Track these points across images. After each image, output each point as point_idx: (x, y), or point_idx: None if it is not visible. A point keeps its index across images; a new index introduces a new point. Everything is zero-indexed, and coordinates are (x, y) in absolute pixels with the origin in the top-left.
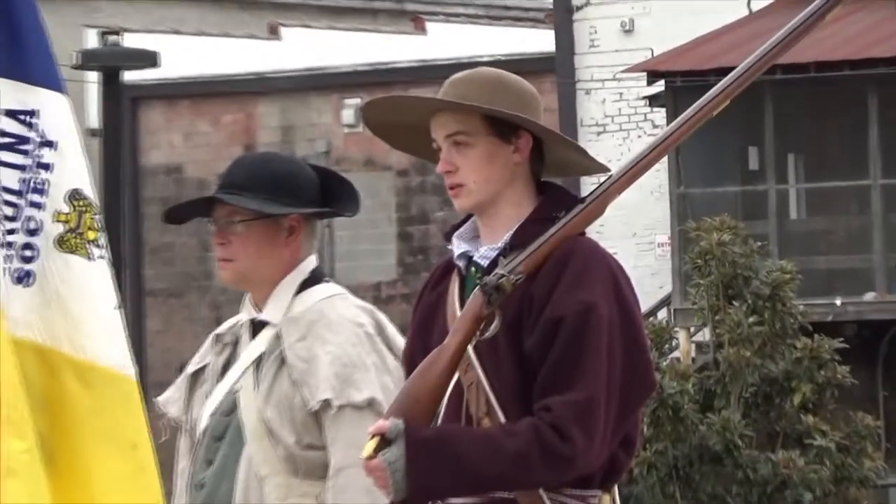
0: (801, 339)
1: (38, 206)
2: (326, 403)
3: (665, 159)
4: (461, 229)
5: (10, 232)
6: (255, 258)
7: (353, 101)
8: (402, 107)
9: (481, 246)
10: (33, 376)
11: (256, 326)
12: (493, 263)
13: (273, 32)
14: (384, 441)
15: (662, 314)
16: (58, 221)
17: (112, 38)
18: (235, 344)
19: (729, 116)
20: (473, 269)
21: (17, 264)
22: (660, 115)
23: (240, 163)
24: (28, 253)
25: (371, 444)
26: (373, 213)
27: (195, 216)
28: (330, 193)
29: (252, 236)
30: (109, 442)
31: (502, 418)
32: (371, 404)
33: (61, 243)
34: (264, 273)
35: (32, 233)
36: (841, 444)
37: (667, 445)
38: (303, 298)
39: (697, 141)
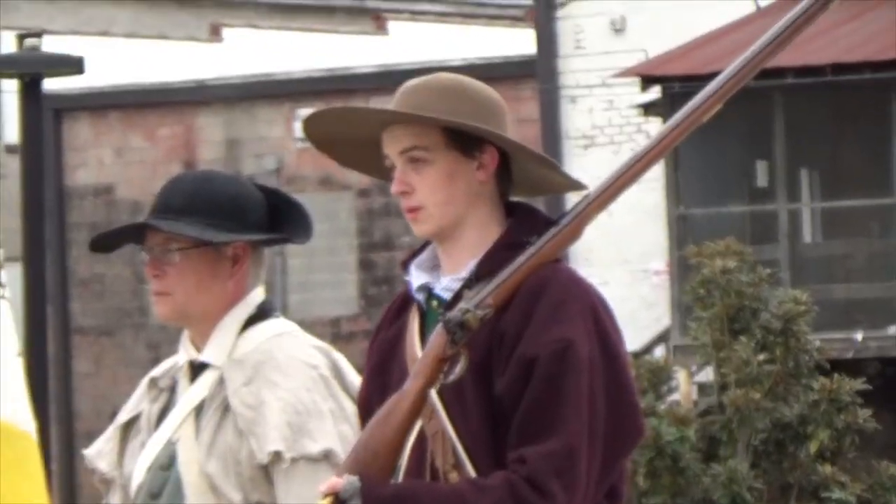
0: (818, 378)
1: None
2: (277, 456)
3: (662, 176)
4: (420, 257)
5: None
6: (194, 291)
7: (307, 112)
8: (349, 119)
9: (443, 276)
10: None
11: (196, 369)
12: (457, 297)
13: (215, 34)
14: (338, 501)
15: (660, 351)
16: None
17: (31, 41)
18: (173, 389)
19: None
20: (435, 302)
21: None
22: (655, 125)
23: (177, 183)
24: None
25: None
26: (330, 239)
27: (127, 244)
28: (279, 217)
29: (191, 267)
30: None
31: (471, 472)
32: (327, 456)
33: None
34: (205, 308)
35: None
36: (863, 498)
37: (666, 500)
38: (249, 336)
39: (698, 155)
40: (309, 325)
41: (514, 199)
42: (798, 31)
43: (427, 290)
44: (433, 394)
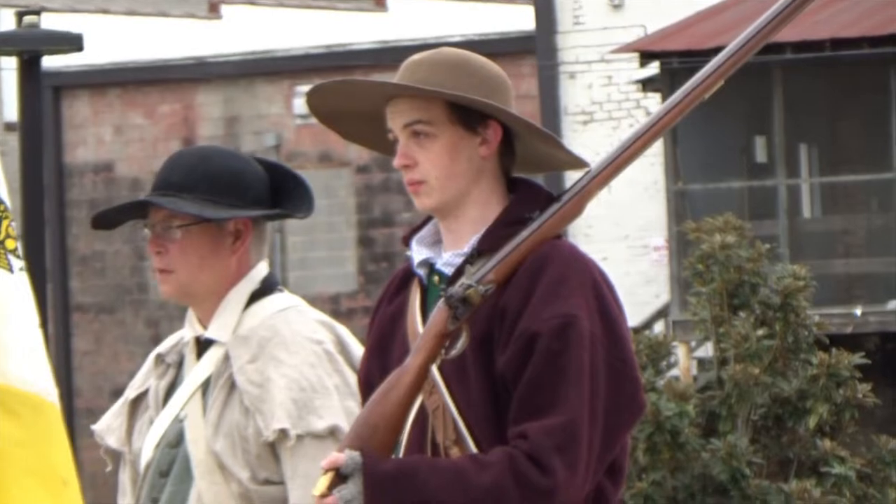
0: (817, 353)
1: None
2: (283, 433)
3: (661, 152)
4: (421, 232)
5: None
6: (196, 268)
7: (306, 89)
8: (353, 92)
9: (444, 252)
10: None
11: (202, 345)
12: (459, 272)
13: (214, 11)
14: (339, 476)
15: (659, 327)
16: None
17: (30, 18)
18: (180, 365)
19: (733, 103)
20: (436, 278)
21: None
22: (654, 101)
23: (177, 160)
24: None
25: (324, 481)
26: (330, 216)
27: (128, 221)
28: (280, 193)
29: (193, 243)
30: (36, 478)
31: (472, 447)
32: (334, 433)
33: None
34: (208, 285)
35: None
36: (862, 472)
37: (665, 475)
38: (253, 312)
39: (698, 131)
40: (308, 302)
41: (517, 175)
42: (801, 8)
43: (429, 265)
44: (434, 369)
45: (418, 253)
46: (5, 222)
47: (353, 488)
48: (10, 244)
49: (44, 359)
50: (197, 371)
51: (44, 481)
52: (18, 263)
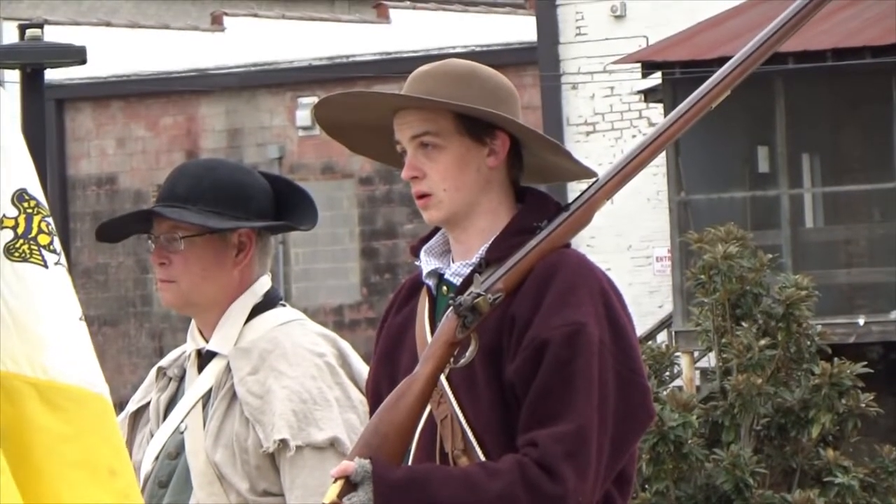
0: (820, 363)
1: None
2: (283, 444)
3: (664, 163)
4: (430, 243)
5: None
6: (199, 279)
7: (309, 101)
8: (360, 105)
9: (453, 262)
10: None
11: (203, 358)
12: (468, 281)
13: (217, 23)
14: (349, 484)
15: (662, 337)
16: (5, 228)
17: (33, 31)
18: (181, 379)
19: (735, 113)
20: (445, 287)
21: None
22: (656, 111)
23: (181, 171)
24: None
25: (334, 489)
26: (333, 227)
27: (131, 233)
28: (284, 205)
29: (196, 254)
30: (83, 470)
31: (481, 456)
32: (333, 444)
33: (10, 252)
34: (211, 296)
35: None
36: (865, 482)
37: (668, 485)
38: (255, 325)
39: (700, 142)
40: (311, 314)
41: (525, 185)
42: (809, 17)
43: (437, 275)
44: (443, 378)
45: (427, 263)
46: (37, 218)
47: (363, 496)
48: (43, 239)
49: (88, 351)
50: (198, 383)
51: (92, 473)
52: (54, 258)
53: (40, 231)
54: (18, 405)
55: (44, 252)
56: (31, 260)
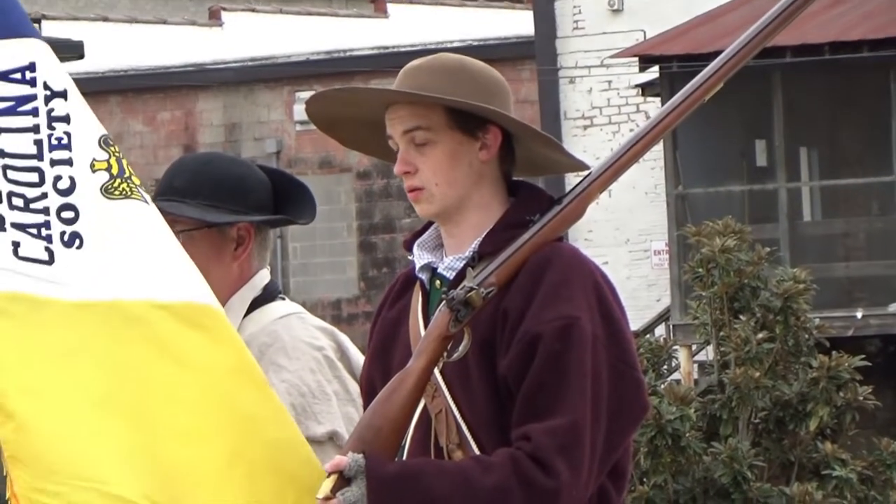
0: (818, 356)
1: (64, 162)
2: None
3: (661, 157)
4: (423, 237)
5: (42, 197)
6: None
7: (306, 95)
8: (352, 100)
9: (446, 256)
10: (116, 337)
11: None
12: (461, 275)
13: (214, 18)
14: (342, 479)
15: (660, 330)
16: (98, 170)
17: None
18: None
19: (733, 106)
20: (438, 282)
21: (60, 228)
22: (654, 105)
23: (179, 166)
24: (68, 214)
25: (328, 483)
26: (330, 221)
27: None
28: (283, 199)
29: (194, 248)
30: (242, 375)
31: (476, 450)
32: (332, 438)
33: (109, 192)
34: (210, 290)
35: (66, 192)
36: (864, 475)
37: (666, 479)
38: (254, 319)
39: (697, 135)
40: (309, 308)
41: (517, 178)
42: (799, 11)
43: (430, 269)
44: (437, 372)
45: (420, 257)
46: (125, 161)
47: (356, 491)
48: (136, 180)
49: (188, 265)
50: None
51: (250, 377)
52: (148, 196)
53: (133, 173)
54: (153, 328)
55: (141, 191)
56: (133, 196)
